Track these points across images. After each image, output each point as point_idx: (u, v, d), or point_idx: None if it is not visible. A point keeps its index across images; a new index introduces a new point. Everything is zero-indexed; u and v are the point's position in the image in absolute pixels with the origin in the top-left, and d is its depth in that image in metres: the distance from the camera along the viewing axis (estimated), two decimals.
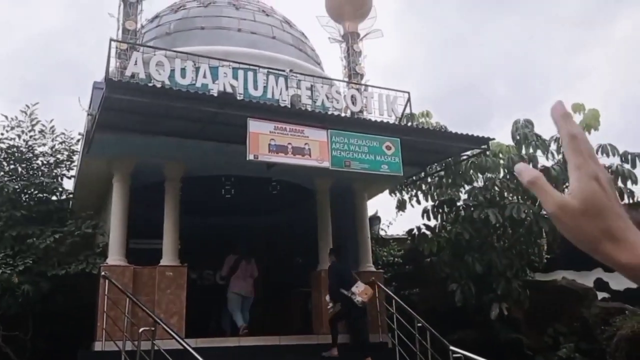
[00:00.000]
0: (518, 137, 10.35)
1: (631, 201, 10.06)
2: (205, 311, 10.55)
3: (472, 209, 10.29)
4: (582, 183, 0.71)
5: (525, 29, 45.28)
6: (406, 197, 12.15)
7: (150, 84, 7.65)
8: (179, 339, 7.09)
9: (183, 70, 8.45)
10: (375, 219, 13.82)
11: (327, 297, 8.84)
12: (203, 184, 10.49)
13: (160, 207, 9.20)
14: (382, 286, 10.00)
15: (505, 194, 10.49)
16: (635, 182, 9.82)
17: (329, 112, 8.94)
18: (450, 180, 10.93)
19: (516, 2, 46.27)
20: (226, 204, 12.20)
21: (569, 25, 43.63)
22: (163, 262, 8.78)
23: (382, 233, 14.15)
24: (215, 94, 8.11)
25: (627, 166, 9.90)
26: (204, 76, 8.51)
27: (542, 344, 10.15)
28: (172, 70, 8.32)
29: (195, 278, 11.08)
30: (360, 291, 8.57)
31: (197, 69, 8.55)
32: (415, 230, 11.38)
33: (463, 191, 11.16)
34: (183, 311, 8.49)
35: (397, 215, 12.73)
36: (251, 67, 9.15)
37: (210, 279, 11.38)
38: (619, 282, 12.03)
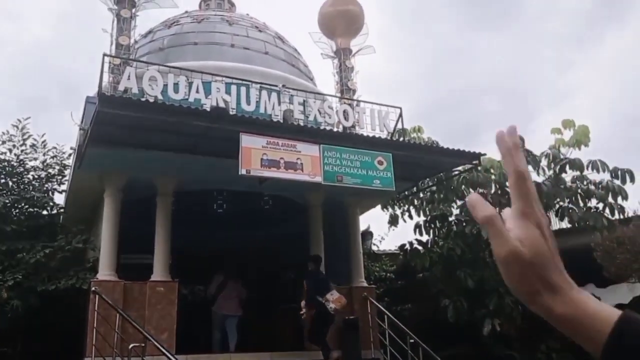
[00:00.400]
0: None
1: (622, 217, 10.13)
2: (196, 327, 10.46)
3: (464, 224, 10.32)
4: (530, 231, 0.68)
5: (517, 46, 45.85)
6: (398, 212, 12.17)
7: (143, 99, 7.66)
8: (169, 355, 7.02)
9: (176, 85, 8.46)
10: (368, 234, 13.82)
11: (303, 303, 8.85)
12: (195, 198, 10.46)
13: (151, 221, 9.16)
14: (374, 301, 9.97)
15: (497, 209, 10.51)
16: (625, 197, 9.90)
17: (321, 127, 8.97)
18: (442, 196, 10.97)
19: (508, 19, 46.92)
20: (218, 218, 12.16)
21: (560, 43, 44.25)
22: (154, 277, 8.71)
23: (374, 248, 14.15)
24: (208, 109, 8.12)
25: (617, 182, 9.98)
26: (197, 91, 8.53)
27: None
28: (165, 85, 8.34)
29: (186, 293, 11.00)
30: (334, 299, 8.61)
31: (190, 84, 8.57)
32: (407, 246, 11.38)
33: (455, 206, 11.20)
34: (174, 327, 8.40)
35: (389, 230, 12.74)
36: (244, 82, 9.18)
37: (201, 294, 11.30)
38: (610, 298, 12.05)
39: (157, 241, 8.97)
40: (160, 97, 8.06)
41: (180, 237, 9.79)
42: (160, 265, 8.82)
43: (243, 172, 7.32)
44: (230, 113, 8.31)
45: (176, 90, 8.42)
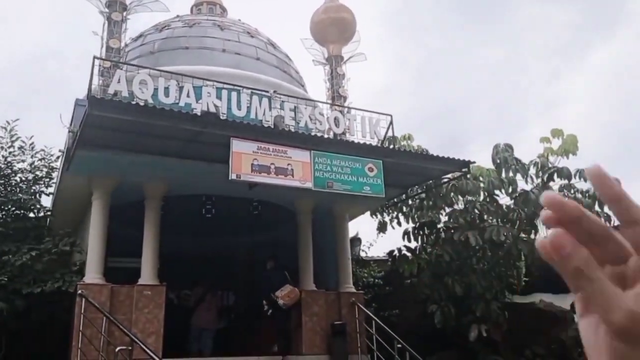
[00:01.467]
0: (498, 161, 10.51)
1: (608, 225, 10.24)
2: (183, 331, 10.44)
3: (452, 231, 10.37)
4: None
5: (506, 56, 46.30)
6: (387, 219, 12.20)
7: (133, 102, 7.64)
8: (156, 358, 6.99)
9: (166, 89, 8.45)
10: (356, 241, 13.83)
11: (264, 301, 9.46)
12: (184, 203, 10.43)
13: (139, 225, 9.12)
14: (362, 307, 9.99)
15: (485, 216, 10.61)
16: None
17: (312, 134, 9.00)
18: (431, 203, 11.01)
19: (497, 30, 47.41)
20: (207, 223, 12.12)
21: (549, 53, 44.75)
22: (141, 280, 8.67)
23: (362, 254, 14.15)
24: (199, 114, 8.12)
25: None
26: (188, 95, 8.53)
27: None
28: (156, 89, 8.33)
29: (173, 298, 10.98)
30: (282, 294, 9.11)
31: (180, 88, 8.56)
32: (395, 252, 11.41)
33: (443, 213, 11.26)
34: (161, 331, 8.37)
35: (377, 237, 12.77)
36: (235, 87, 9.19)
37: (188, 299, 11.27)
38: None
39: (145, 245, 8.94)
40: (150, 100, 8.05)
41: (169, 241, 9.77)
42: (148, 269, 8.78)
43: (233, 176, 7.33)
44: (221, 118, 8.31)
45: (167, 94, 8.41)
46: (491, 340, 10.33)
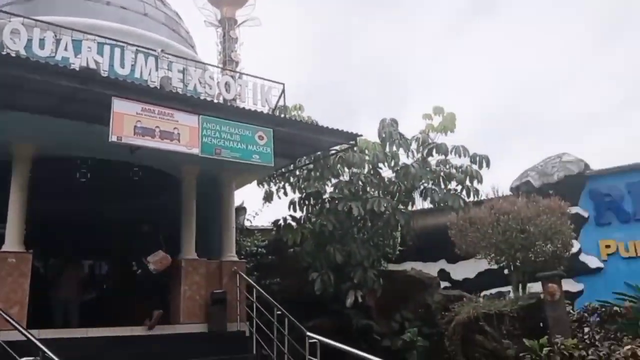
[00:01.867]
0: (384, 135, 10.96)
1: (476, 199, 11.15)
2: (50, 302, 9.86)
3: (337, 201, 10.71)
4: None
5: (397, 33, 47.78)
6: (274, 188, 12.30)
7: (3, 53, 6.94)
8: (20, 328, 6.56)
9: (42, 41, 7.76)
10: (241, 210, 13.80)
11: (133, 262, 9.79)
12: (57, 165, 9.73)
13: (5, 188, 8.39)
14: (244, 275, 10.06)
15: (368, 188, 11.07)
16: (480, 181, 10.91)
17: (201, 97, 8.74)
18: (318, 174, 11.26)
19: (388, 11, 48.66)
20: (83, 188, 11.40)
21: (434, 36, 46.90)
22: (5, 247, 8.07)
23: (247, 224, 14.17)
24: (77, 69, 7.55)
25: (475, 167, 10.94)
26: (65, 49, 7.90)
27: (390, 329, 10.88)
28: (30, 40, 7.63)
29: (39, 267, 10.32)
30: (155, 260, 9.33)
31: (57, 41, 7.90)
32: (280, 221, 11.57)
33: (329, 184, 11.57)
34: (25, 301, 7.87)
35: (263, 207, 12.84)
36: (118, 43, 8.64)
37: (56, 268, 10.64)
38: (458, 273, 13.33)
39: (11, 209, 8.29)
40: (23, 52, 7.35)
41: (39, 206, 9.10)
42: (13, 235, 8.18)
43: (114, 139, 6.96)
44: (102, 75, 7.79)
45: (42, 47, 7.74)
46: (366, 306, 10.92)
